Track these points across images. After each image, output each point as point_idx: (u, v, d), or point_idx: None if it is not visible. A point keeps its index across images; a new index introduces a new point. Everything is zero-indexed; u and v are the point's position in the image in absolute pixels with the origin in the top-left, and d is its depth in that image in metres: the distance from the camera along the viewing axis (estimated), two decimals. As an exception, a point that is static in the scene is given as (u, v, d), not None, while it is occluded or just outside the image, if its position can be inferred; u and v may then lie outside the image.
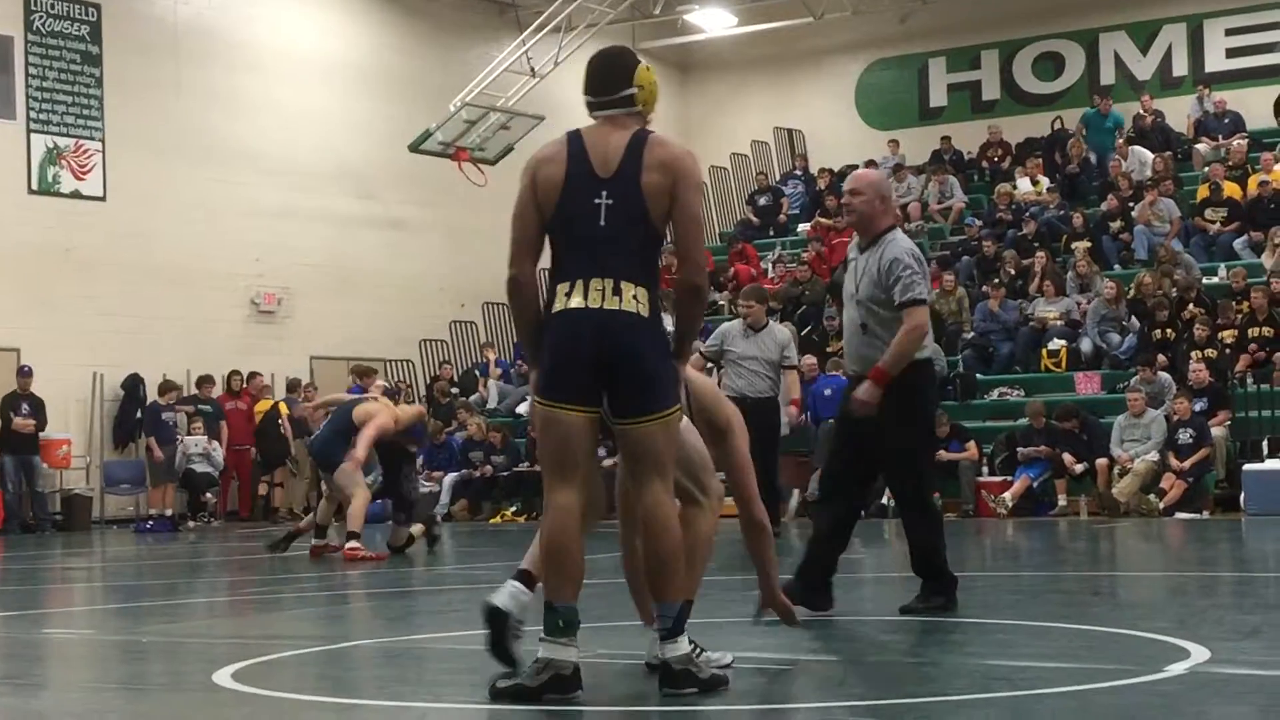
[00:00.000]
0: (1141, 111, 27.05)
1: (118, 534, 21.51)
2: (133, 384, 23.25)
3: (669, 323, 5.94)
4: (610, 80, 5.98)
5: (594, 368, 5.75)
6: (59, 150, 23.08)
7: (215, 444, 22.58)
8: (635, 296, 5.77)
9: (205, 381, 23.02)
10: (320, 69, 26.49)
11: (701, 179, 6.15)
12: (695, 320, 6.00)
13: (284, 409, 23.69)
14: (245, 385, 23.64)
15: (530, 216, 5.88)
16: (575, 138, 5.91)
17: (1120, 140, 26.41)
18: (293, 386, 24.26)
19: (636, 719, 5.43)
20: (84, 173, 23.33)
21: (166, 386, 22.78)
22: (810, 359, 21.77)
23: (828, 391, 20.47)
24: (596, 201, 5.83)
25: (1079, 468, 18.85)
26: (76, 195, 23.25)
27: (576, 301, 5.78)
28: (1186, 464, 18.09)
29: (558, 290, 5.84)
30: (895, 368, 7.93)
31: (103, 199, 23.50)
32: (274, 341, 25.33)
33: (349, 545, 13.81)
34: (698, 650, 5.86)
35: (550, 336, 5.83)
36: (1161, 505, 17.87)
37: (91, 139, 23.47)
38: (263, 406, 24.01)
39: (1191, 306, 20.87)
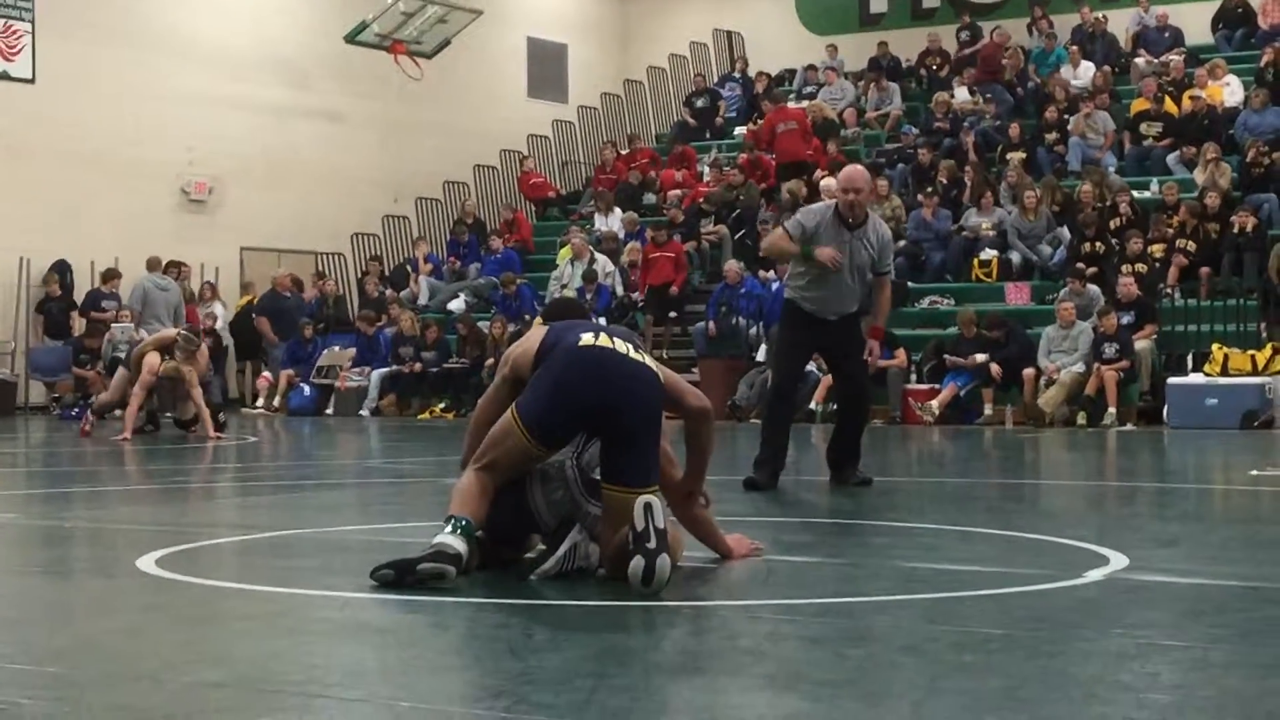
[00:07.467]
0: (1082, 22, 27.02)
1: (42, 420, 21.36)
2: (60, 270, 23.01)
3: None
4: None
5: (596, 413, 5.74)
6: (-13, 31, 22.72)
7: (143, 332, 22.35)
8: (649, 361, 5.89)
9: (112, 276, 22.81)
10: (256, -45, 26.11)
11: None
12: (711, 444, 6.10)
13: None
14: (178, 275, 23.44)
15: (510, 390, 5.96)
16: None
17: (1071, 55, 26.28)
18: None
19: (554, 612, 5.45)
20: (12, 54, 22.95)
21: (109, 275, 22.66)
22: (736, 263, 21.83)
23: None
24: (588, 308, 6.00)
25: (994, 368, 18.89)
26: (5, 77, 22.90)
27: (604, 342, 5.81)
28: (1108, 370, 18.24)
29: (573, 340, 5.82)
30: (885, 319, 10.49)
31: (31, 81, 23.15)
32: (204, 231, 25.10)
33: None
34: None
35: (561, 364, 5.78)
36: (1113, 414, 17.96)
37: (21, 19, 23.07)
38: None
39: (1124, 208, 20.99)
